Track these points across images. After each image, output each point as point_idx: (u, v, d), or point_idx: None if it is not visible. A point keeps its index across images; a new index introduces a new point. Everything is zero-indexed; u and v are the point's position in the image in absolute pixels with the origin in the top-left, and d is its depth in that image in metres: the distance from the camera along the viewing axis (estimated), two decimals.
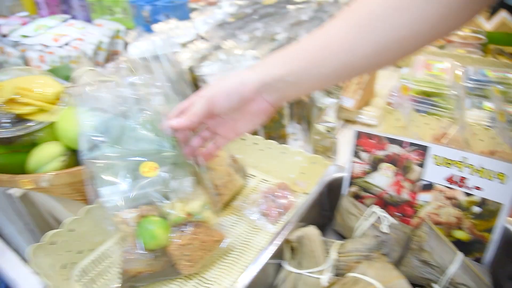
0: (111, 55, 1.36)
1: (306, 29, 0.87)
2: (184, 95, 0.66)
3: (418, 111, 0.80)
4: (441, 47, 1.18)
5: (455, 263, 0.49)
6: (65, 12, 1.57)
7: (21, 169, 0.68)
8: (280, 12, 0.99)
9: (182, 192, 0.54)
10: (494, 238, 0.52)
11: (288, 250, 0.50)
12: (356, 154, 0.59)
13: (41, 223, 1.02)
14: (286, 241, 0.50)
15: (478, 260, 0.53)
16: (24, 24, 1.66)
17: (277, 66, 0.46)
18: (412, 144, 0.54)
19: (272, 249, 0.49)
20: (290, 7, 0.96)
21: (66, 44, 1.33)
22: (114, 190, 0.53)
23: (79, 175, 0.61)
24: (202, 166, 0.58)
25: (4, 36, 1.62)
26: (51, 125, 0.66)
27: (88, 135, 0.54)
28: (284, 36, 0.81)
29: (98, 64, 1.32)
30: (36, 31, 1.48)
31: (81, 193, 0.72)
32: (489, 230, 0.52)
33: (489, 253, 0.52)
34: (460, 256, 0.50)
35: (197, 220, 0.55)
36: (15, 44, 1.50)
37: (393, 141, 0.56)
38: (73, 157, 0.65)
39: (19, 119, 0.65)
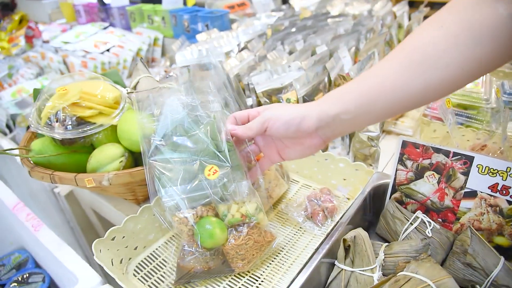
0: (149, 62, 1.42)
1: (345, 42, 0.90)
2: (237, 102, 0.70)
3: (454, 118, 0.83)
4: None
5: (499, 266, 0.51)
6: (104, 20, 1.65)
7: (78, 168, 0.72)
8: (318, 25, 1.03)
9: (238, 195, 0.56)
10: None
11: (343, 249, 0.54)
12: (401, 162, 0.62)
13: (82, 221, 1.07)
14: (343, 240, 0.54)
15: None
16: (64, 31, 1.75)
17: (334, 105, 0.49)
18: (457, 153, 0.57)
19: (325, 249, 0.52)
20: (329, 20, 0.99)
21: (107, 51, 1.40)
22: (174, 191, 0.56)
23: (136, 176, 0.65)
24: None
25: (45, 42, 1.71)
26: (109, 127, 0.71)
27: (149, 138, 0.58)
28: (325, 50, 0.84)
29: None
30: (77, 37, 1.56)
31: (133, 193, 0.77)
32: None
33: None
34: (502, 259, 0.52)
35: (251, 222, 0.57)
36: (56, 50, 1.58)
37: (438, 150, 0.59)
38: (131, 158, 0.69)
39: (81, 122, 0.70)
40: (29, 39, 1.73)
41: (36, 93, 0.86)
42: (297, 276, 0.50)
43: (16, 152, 0.73)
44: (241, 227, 0.57)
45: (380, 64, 0.48)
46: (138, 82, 0.72)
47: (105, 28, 1.58)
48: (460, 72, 0.43)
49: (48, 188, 1.01)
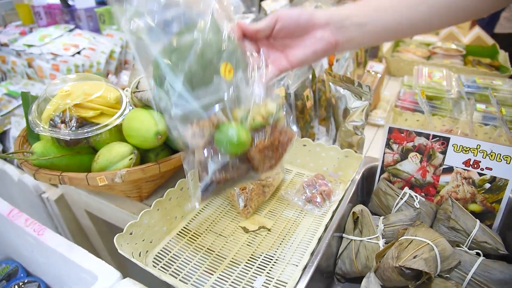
0: (122, 64, 1.42)
1: None
2: None
3: (422, 112, 0.94)
4: (428, 58, 1.34)
5: (476, 227, 0.61)
6: (68, 22, 1.61)
7: (80, 169, 0.74)
8: None
9: (256, 96, 0.52)
10: (502, 208, 0.65)
11: (351, 222, 0.61)
12: (388, 146, 0.71)
13: (72, 226, 1.06)
14: (353, 213, 0.61)
15: (489, 226, 0.66)
16: (23, 33, 1.68)
17: (345, 8, 0.53)
18: (435, 136, 0.67)
19: (335, 224, 0.59)
20: None
21: (78, 53, 1.38)
22: (184, 97, 0.50)
23: (148, 172, 0.68)
24: None
25: (4, 45, 1.64)
26: (111, 127, 0.73)
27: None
28: None
29: (109, 72, 1.38)
30: (41, 40, 1.52)
31: (139, 189, 0.79)
32: (498, 202, 0.65)
33: (498, 220, 0.66)
34: (478, 221, 0.63)
35: (273, 122, 0.54)
36: (19, 54, 1.52)
37: (420, 134, 0.68)
38: (139, 156, 0.72)
39: (84, 122, 0.71)
40: None
41: (25, 96, 0.85)
42: (314, 250, 0.56)
43: (18, 155, 0.73)
44: (264, 129, 0.53)
45: None
46: (138, 82, 0.75)
47: (71, 30, 1.55)
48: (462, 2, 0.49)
49: (35, 193, 0.99)
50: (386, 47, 1.44)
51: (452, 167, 0.67)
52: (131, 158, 0.70)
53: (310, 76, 0.89)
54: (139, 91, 0.72)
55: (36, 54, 1.44)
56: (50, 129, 0.70)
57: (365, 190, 0.74)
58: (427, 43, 1.44)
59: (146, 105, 0.74)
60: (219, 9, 0.55)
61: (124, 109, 0.74)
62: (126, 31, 0.52)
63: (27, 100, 0.85)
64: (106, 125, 0.72)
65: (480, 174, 0.65)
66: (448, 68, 1.20)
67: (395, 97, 1.00)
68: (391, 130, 0.70)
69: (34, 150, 0.73)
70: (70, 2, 1.56)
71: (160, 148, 0.74)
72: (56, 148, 0.73)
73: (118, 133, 0.75)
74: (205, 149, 0.51)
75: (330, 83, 0.82)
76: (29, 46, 1.50)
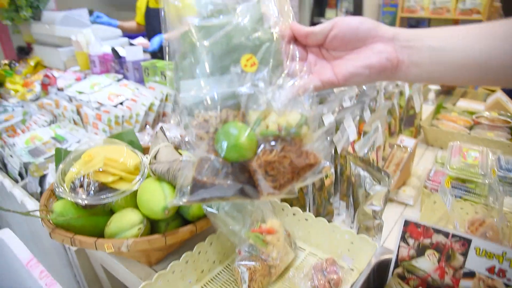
0: (160, 116, 1.48)
1: (350, 112, 0.97)
2: None
3: (454, 196, 0.88)
4: (471, 128, 1.27)
5: None
6: (118, 71, 1.73)
7: (96, 230, 0.76)
8: (322, 93, 1.10)
9: (278, 101, 0.45)
10: None
11: None
12: (403, 239, 0.66)
13: (90, 276, 1.09)
14: None
15: None
16: (78, 79, 1.83)
17: (418, 29, 0.46)
18: (455, 235, 0.62)
19: None
20: (335, 89, 1.07)
21: (121, 104, 1.46)
22: (195, 83, 0.46)
23: (154, 243, 0.69)
24: None
25: (60, 90, 1.79)
26: (130, 194, 0.75)
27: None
28: (332, 121, 0.91)
29: (147, 123, 1.45)
30: (91, 88, 1.64)
31: (148, 256, 0.80)
32: None
33: None
34: None
35: (290, 136, 0.46)
36: (71, 99, 1.65)
37: (438, 231, 0.63)
38: (148, 225, 0.73)
39: (103, 187, 0.74)
40: (44, 86, 1.81)
41: (58, 153, 0.91)
42: None
43: (38, 214, 0.77)
44: (276, 142, 0.45)
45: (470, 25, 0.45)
46: (158, 151, 0.77)
47: (119, 80, 1.66)
48: None
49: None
50: (426, 114, 1.38)
51: (474, 272, 0.61)
52: (139, 228, 0.71)
53: (333, 151, 0.87)
54: (155, 163, 0.74)
55: (84, 101, 1.56)
56: (69, 192, 0.73)
57: (376, 283, 0.69)
58: (471, 111, 1.37)
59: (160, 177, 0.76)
60: (275, 2, 0.51)
61: (141, 177, 0.76)
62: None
63: (59, 156, 0.91)
64: (123, 192, 0.74)
65: (507, 286, 0.59)
66: (492, 143, 1.13)
67: (426, 176, 0.94)
68: (407, 223, 0.66)
69: (54, 208, 0.76)
70: (120, 54, 1.68)
71: (171, 218, 0.75)
72: (74, 209, 0.76)
73: (135, 198, 0.77)
74: (206, 145, 0.46)
75: (351, 162, 0.79)
76: (80, 93, 1.62)
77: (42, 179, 1.27)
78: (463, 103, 1.44)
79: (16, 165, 1.35)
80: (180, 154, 0.78)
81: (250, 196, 0.48)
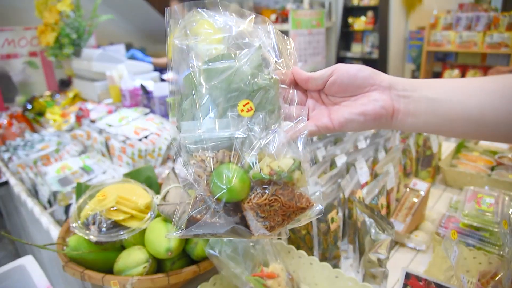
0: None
1: (363, 154, 0.97)
2: None
3: (466, 244, 0.85)
4: (493, 169, 1.23)
5: None
6: (146, 105, 1.82)
7: (107, 264, 0.79)
8: (338, 134, 1.11)
9: (272, 145, 0.47)
10: None
11: None
12: None
13: None
14: None
15: None
16: (109, 112, 1.93)
17: (415, 80, 0.48)
18: None
19: None
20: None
21: (146, 137, 1.53)
22: (196, 125, 0.48)
23: (158, 282, 0.71)
24: None
25: (92, 121, 1.89)
26: (139, 232, 0.78)
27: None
28: (343, 163, 0.91)
29: (169, 157, 1.50)
30: (120, 121, 1.72)
31: None
32: None
33: None
34: None
35: (282, 181, 0.47)
36: (101, 131, 1.74)
37: (440, 286, 0.61)
38: (154, 264, 0.75)
39: (115, 225, 0.78)
40: (78, 118, 1.92)
41: (79, 188, 0.96)
42: None
43: (54, 247, 0.81)
44: (268, 185, 0.47)
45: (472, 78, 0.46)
46: (168, 192, 0.81)
47: (146, 114, 1.74)
48: None
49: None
50: (447, 152, 1.35)
51: None
52: (145, 267, 0.74)
53: (341, 195, 0.87)
54: (164, 204, 0.77)
55: (112, 133, 1.64)
56: (82, 228, 0.77)
57: None
58: (494, 151, 1.32)
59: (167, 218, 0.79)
60: (278, 47, 0.53)
61: (151, 216, 0.80)
62: (175, 43, 0.52)
63: (80, 191, 0.96)
64: (133, 230, 0.77)
65: None
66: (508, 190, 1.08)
67: (438, 221, 0.92)
68: (408, 275, 0.64)
69: (69, 242, 0.80)
70: (149, 89, 1.77)
71: (177, 257, 0.77)
72: (87, 244, 0.80)
73: (144, 236, 0.80)
74: (202, 184, 0.48)
75: (357, 208, 0.79)
76: (109, 125, 1.71)
77: (67, 208, 1.34)
78: (486, 142, 1.39)
79: (46, 193, 1.43)
80: (190, 195, 0.80)
81: (242, 235, 0.49)
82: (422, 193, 0.96)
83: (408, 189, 0.99)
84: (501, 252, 0.81)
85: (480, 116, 0.43)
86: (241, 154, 0.48)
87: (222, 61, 0.50)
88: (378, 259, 0.74)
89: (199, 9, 0.52)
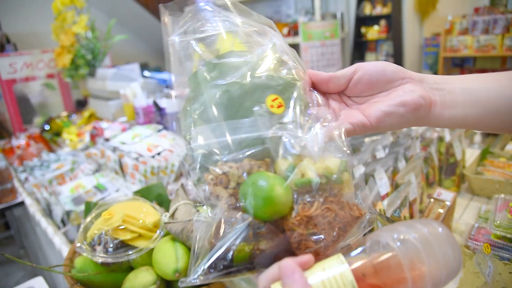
0: None
1: (382, 164, 0.92)
2: None
3: (500, 257, 0.78)
4: None
5: None
6: (159, 122, 1.81)
7: (114, 287, 0.76)
8: (354, 143, 1.06)
9: (311, 146, 0.39)
10: None
11: None
12: None
13: None
14: None
15: None
16: (123, 130, 1.93)
17: (446, 76, 0.46)
18: None
19: None
20: (366, 139, 1.02)
21: (158, 154, 1.51)
22: (208, 131, 0.40)
23: None
24: None
25: (106, 140, 1.89)
26: (147, 251, 0.75)
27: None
28: (361, 173, 0.86)
29: (182, 173, 1.48)
30: (133, 139, 1.71)
31: None
32: None
33: None
34: None
35: (331, 185, 0.38)
36: (114, 149, 1.74)
37: None
38: (162, 285, 0.72)
39: (122, 245, 0.75)
40: (92, 137, 1.93)
41: (88, 207, 0.94)
42: None
43: (61, 269, 0.79)
44: (316, 192, 0.37)
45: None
46: (176, 209, 0.77)
47: (159, 130, 1.73)
48: None
49: None
50: (471, 159, 1.28)
51: None
52: None
53: None
54: (172, 222, 0.74)
55: (126, 151, 1.63)
56: (88, 249, 0.74)
57: None
58: None
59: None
60: (288, 49, 0.47)
61: (159, 235, 0.76)
62: (173, 41, 0.45)
63: (89, 210, 0.94)
64: (140, 250, 0.74)
65: None
66: None
67: (467, 234, 0.85)
68: None
69: (75, 264, 0.77)
70: (162, 106, 1.76)
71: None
72: (94, 265, 0.77)
73: (152, 256, 0.76)
74: (226, 204, 0.38)
75: (378, 222, 0.74)
76: (123, 143, 1.71)
77: (80, 227, 1.32)
78: None
79: (60, 212, 1.42)
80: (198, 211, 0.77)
81: None
82: (448, 203, 0.90)
83: (432, 200, 0.93)
84: None
85: (498, 110, 0.41)
86: (275, 158, 0.39)
87: (231, 58, 0.43)
88: None
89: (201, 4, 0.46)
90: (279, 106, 0.40)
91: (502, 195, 0.90)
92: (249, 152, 0.38)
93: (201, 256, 0.38)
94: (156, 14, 4.39)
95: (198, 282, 0.37)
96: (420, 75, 0.45)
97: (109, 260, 0.72)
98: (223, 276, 0.37)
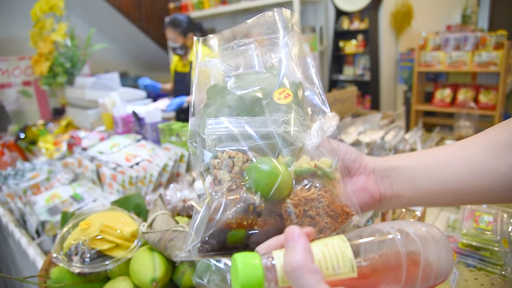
0: (174, 176, 1.51)
1: None
2: None
3: (467, 264, 0.82)
4: None
5: None
6: (138, 132, 1.81)
7: None
8: None
9: (311, 143, 0.44)
10: None
11: None
12: None
13: None
14: None
15: None
16: (102, 139, 1.92)
17: (395, 157, 0.49)
18: None
19: None
20: None
21: (137, 164, 1.51)
22: (220, 121, 0.43)
23: None
24: None
25: (84, 149, 1.87)
26: (125, 261, 0.75)
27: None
28: None
29: (161, 184, 1.47)
30: (111, 148, 1.70)
31: None
32: None
33: None
34: None
35: (326, 177, 0.42)
36: (92, 159, 1.72)
37: None
38: None
39: (99, 255, 0.75)
40: (70, 146, 1.90)
41: (64, 217, 0.94)
42: None
43: (35, 280, 0.78)
44: (314, 179, 0.41)
45: (460, 141, 0.46)
46: (154, 219, 0.78)
47: (138, 140, 1.72)
48: None
49: None
50: None
51: None
52: None
53: None
54: (149, 232, 0.74)
55: (104, 161, 1.62)
56: (65, 259, 0.74)
57: None
58: None
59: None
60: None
61: (137, 245, 0.77)
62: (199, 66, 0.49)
63: (65, 220, 0.93)
64: (118, 260, 0.74)
65: None
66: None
67: None
68: None
69: (51, 275, 0.77)
70: (140, 116, 1.76)
71: (164, 287, 0.73)
72: (70, 276, 0.77)
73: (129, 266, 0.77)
74: (227, 187, 0.40)
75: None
76: (101, 153, 1.69)
77: (55, 238, 1.30)
78: None
79: (34, 223, 1.39)
80: (177, 222, 0.78)
81: None
82: (418, 213, 0.94)
83: (404, 210, 0.96)
84: (503, 272, 0.78)
85: (460, 185, 0.44)
86: (280, 153, 0.42)
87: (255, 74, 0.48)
88: None
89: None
90: (286, 97, 0.44)
91: (469, 206, 0.94)
92: (255, 144, 0.42)
93: (199, 232, 0.40)
94: (137, 23, 4.38)
95: (193, 257, 0.40)
96: (373, 163, 0.49)
97: (86, 270, 0.72)
98: (218, 252, 0.40)
